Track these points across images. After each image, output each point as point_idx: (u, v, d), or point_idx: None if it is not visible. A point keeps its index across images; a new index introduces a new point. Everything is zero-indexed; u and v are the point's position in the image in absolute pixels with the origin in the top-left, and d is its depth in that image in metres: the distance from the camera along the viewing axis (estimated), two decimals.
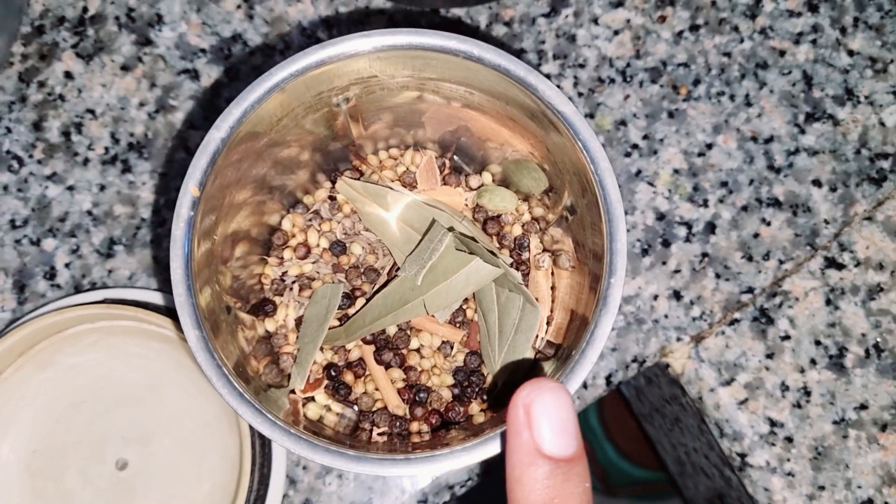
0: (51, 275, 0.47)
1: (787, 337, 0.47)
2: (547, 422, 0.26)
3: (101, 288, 0.47)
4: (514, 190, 0.43)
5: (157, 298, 0.46)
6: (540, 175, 0.40)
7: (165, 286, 0.47)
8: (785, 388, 0.47)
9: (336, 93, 0.37)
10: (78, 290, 0.47)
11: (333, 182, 0.44)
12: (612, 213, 0.33)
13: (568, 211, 0.38)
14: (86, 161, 0.48)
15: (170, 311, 0.44)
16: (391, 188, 0.42)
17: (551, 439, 0.26)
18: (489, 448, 0.32)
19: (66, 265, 0.47)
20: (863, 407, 0.47)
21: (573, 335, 0.36)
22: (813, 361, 0.47)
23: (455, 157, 0.44)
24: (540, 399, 0.26)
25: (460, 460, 0.32)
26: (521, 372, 0.39)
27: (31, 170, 0.48)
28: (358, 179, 0.43)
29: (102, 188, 0.48)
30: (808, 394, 0.47)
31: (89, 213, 0.48)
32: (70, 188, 0.48)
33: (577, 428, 0.27)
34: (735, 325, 0.48)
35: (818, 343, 0.47)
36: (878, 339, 0.47)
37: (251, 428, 0.40)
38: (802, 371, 0.47)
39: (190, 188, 0.33)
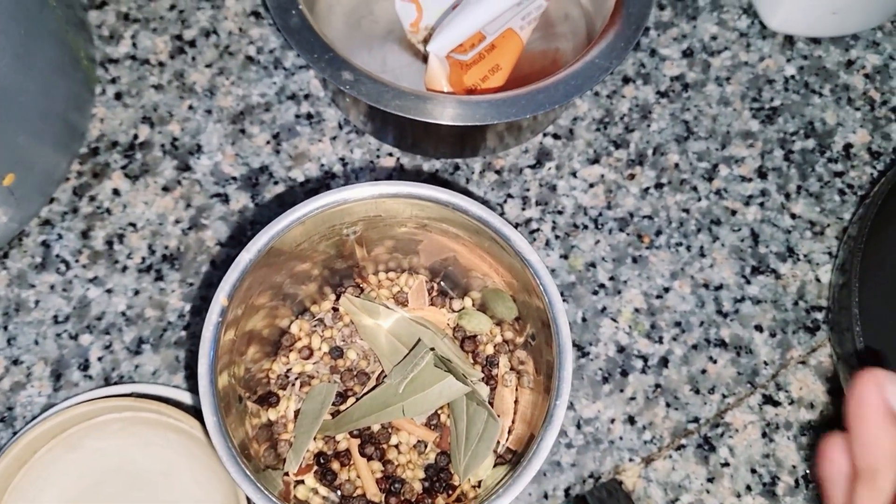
0: (84, 366, 0.51)
1: (726, 464, 0.51)
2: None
3: (129, 381, 0.51)
4: (489, 315, 0.48)
5: (177, 394, 0.50)
6: (512, 305, 0.45)
7: (185, 383, 0.51)
8: None
9: (347, 226, 0.42)
10: (107, 381, 0.51)
11: (338, 295, 0.48)
12: (562, 347, 0.38)
13: (531, 338, 0.43)
14: (124, 268, 0.53)
15: (187, 407, 0.48)
16: (385, 306, 0.47)
17: None
18: None
19: (99, 359, 0.51)
20: None
21: (527, 445, 0.40)
22: (748, 487, 0.51)
23: (442, 283, 0.49)
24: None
25: None
26: (482, 470, 0.43)
27: (75, 273, 0.53)
28: (359, 296, 0.48)
29: (136, 293, 0.53)
30: None
31: (123, 314, 0.52)
32: (108, 291, 0.53)
33: None
34: (681, 451, 0.51)
35: (754, 471, 0.51)
36: (807, 471, 0.51)
37: None
38: (739, 496, 0.50)
39: (220, 299, 0.38)
